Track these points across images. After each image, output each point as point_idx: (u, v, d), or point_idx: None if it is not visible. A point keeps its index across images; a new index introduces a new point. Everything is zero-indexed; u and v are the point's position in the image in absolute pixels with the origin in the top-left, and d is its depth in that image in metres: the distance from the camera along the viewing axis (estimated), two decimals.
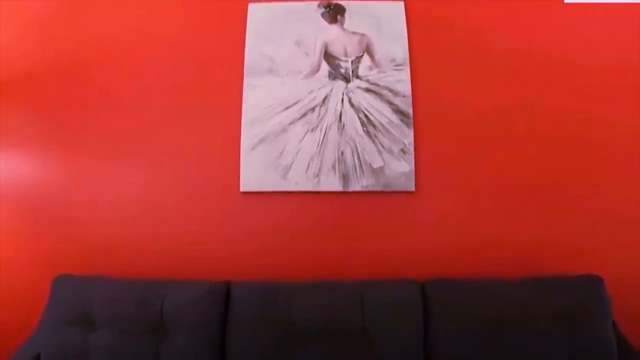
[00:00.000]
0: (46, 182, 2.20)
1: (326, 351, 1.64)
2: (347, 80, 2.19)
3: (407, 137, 2.14)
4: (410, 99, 2.17)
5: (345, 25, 2.26)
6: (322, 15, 2.27)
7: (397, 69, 2.20)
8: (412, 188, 2.11)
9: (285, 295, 1.75)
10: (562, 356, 1.71)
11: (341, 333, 1.66)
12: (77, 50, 2.31)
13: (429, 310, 1.73)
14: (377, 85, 2.18)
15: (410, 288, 1.79)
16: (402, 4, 2.29)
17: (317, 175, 2.11)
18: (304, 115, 2.15)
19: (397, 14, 2.28)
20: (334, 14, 2.28)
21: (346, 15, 2.27)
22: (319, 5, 2.28)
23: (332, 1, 2.29)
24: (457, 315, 1.71)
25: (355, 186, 2.11)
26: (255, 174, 2.12)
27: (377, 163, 2.12)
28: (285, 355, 1.64)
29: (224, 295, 1.79)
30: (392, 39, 2.24)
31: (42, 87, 2.28)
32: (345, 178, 2.11)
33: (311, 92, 2.17)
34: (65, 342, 1.75)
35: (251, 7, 2.29)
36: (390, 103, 2.16)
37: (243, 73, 2.19)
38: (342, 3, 2.28)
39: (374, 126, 2.14)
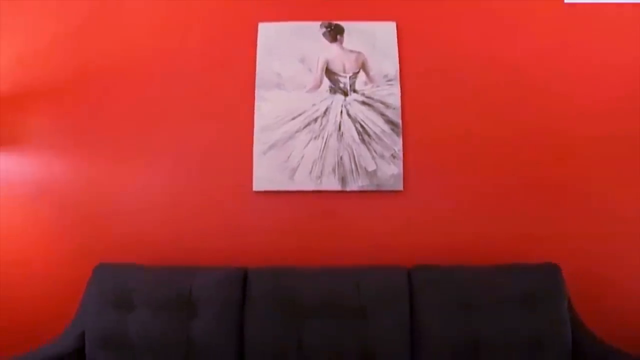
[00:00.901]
0: (76, 181, 2.50)
1: (329, 325, 1.97)
2: (345, 94, 2.51)
3: (397, 144, 2.47)
4: (399, 111, 2.50)
5: (344, 44, 2.57)
6: (324, 34, 2.58)
7: (388, 84, 2.52)
8: (400, 188, 2.45)
9: (294, 279, 2.09)
10: (523, 332, 2.03)
11: (342, 310, 2.00)
12: (102, 62, 2.59)
13: (414, 292, 2.07)
14: (372, 98, 2.51)
15: (399, 273, 2.13)
16: (394, 24, 2.60)
17: (320, 177, 2.44)
18: (308, 124, 2.48)
19: (389, 33, 2.59)
20: (334, 33, 2.59)
21: (345, 34, 2.58)
22: (321, 25, 2.59)
23: (332, 22, 2.60)
24: (438, 295, 2.05)
25: (352, 186, 2.45)
26: (266, 175, 2.44)
27: (370, 166, 2.46)
28: (294, 329, 1.98)
29: (242, 280, 2.11)
30: (385, 57, 2.56)
31: (69, 95, 2.56)
32: (343, 179, 2.45)
33: (314, 104, 2.50)
34: (108, 322, 2.05)
35: (261, 25, 2.59)
36: (382, 114, 2.49)
37: (255, 86, 2.51)
38: (342, 23, 2.59)
39: (369, 135, 2.47)
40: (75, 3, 2.64)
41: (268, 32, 2.57)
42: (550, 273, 2.17)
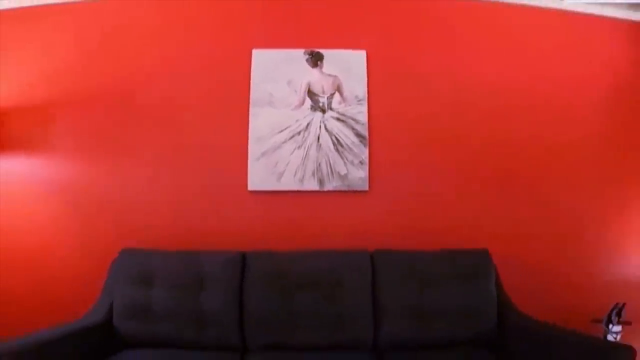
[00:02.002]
0: (97, 180, 2.98)
1: (312, 295, 2.54)
2: (323, 111, 3.08)
3: (364, 153, 3.06)
4: (366, 126, 3.09)
5: (323, 69, 3.13)
6: (307, 60, 3.13)
7: (359, 104, 3.10)
8: (366, 188, 3.05)
9: (283, 260, 2.64)
10: (459, 302, 2.61)
11: (320, 284, 2.57)
12: (117, 79, 3.07)
13: (375, 270, 2.66)
14: (344, 115, 3.09)
15: (364, 255, 2.72)
16: (364, 52, 3.17)
17: (302, 179, 3.02)
18: (293, 137, 3.04)
19: (360, 60, 3.16)
20: (315, 60, 3.14)
21: (324, 60, 3.14)
22: (304, 52, 3.13)
23: (314, 49, 3.15)
24: (393, 273, 2.64)
25: (328, 187, 3.03)
26: (258, 178, 3.00)
27: (343, 171, 3.05)
28: (284, 299, 2.54)
29: (241, 261, 2.65)
30: (356, 80, 3.13)
31: (90, 106, 3.03)
32: (321, 181, 3.03)
33: (298, 120, 3.05)
34: (132, 297, 2.54)
35: (255, 52, 3.12)
36: (353, 129, 3.08)
37: (249, 104, 3.05)
38: (322, 51, 3.14)
39: (342, 145, 3.06)
40: (91, 28, 3.11)
41: (261, 58, 3.10)
42: (481, 257, 2.79)
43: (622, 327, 2.96)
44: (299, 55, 3.12)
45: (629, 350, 2.01)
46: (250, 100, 3.05)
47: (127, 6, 3.16)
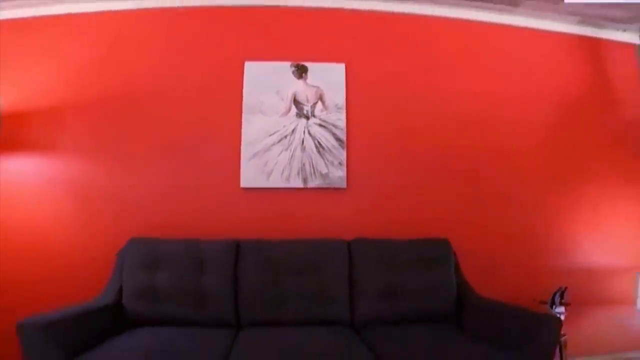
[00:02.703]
0: (105, 177, 3.33)
1: (297, 276, 2.94)
2: (307, 118, 3.48)
3: (342, 155, 3.48)
4: (345, 131, 3.50)
5: (308, 80, 3.53)
6: (293, 72, 3.53)
7: (338, 111, 3.52)
8: (344, 186, 3.46)
9: (272, 247, 3.03)
10: (423, 283, 3.03)
11: (304, 266, 2.97)
12: (122, 86, 3.42)
13: (352, 255, 3.08)
14: (326, 122, 3.50)
15: (342, 243, 3.13)
16: (343, 65, 3.59)
17: (288, 178, 3.42)
18: (280, 140, 3.44)
19: (340, 72, 3.57)
20: (300, 72, 3.54)
21: (308, 73, 3.54)
22: (291, 65, 3.53)
23: (299, 62, 3.55)
24: (367, 258, 3.06)
25: (311, 184, 3.44)
26: (250, 176, 3.39)
27: (324, 170, 3.46)
28: (273, 280, 2.93)
29: (235, 248, 3.03)
30: (336, 90, 3.54)
31: (99, 110, 3.37)
32: (305, 180, 3.43)
33: (285, 125, 3.45)
34: (140, 280, 2.88)
35: (247, 64, 3.50)
36: (333, 133, 3.49)
37: (242, 111, 3.44)
38: (306, 64, 3.54)
39: (323, 148, 3.47)
40: (97, 38, 3.46)
41: (252, 69, 3.49)
42: (443, 245, 3.23)
43: (565, 308, 3.44)
44: (286, 67, 3.52)
45: (557, 319, 2.47)
46: (243, 108, 3.44)
47: (130, 19, 3.52)
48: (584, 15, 3.80)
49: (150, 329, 2.73)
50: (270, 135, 3.43)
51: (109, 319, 2.72)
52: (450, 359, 2.36)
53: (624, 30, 4.00)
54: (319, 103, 3.51)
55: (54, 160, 3.32)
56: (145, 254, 2.98)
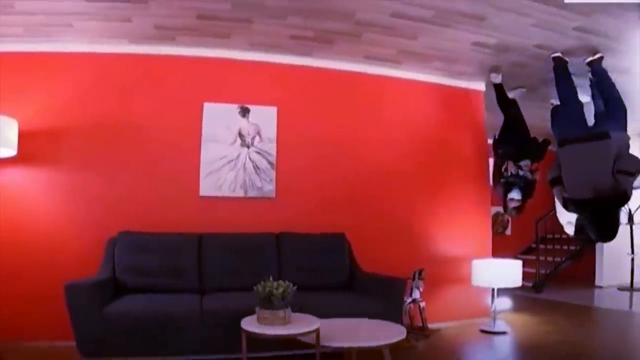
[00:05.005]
0: (94, 184, 4.47)
1: (242, 259, 4.29)
2: (248, 147, 4.85)
3: (272, 174, 4.89)
4: (275, 157, 4.91)
5: (249, 119, 4.89)
6: (239, 112, 4.87)
7: (270, 142, 4.92)
8: (274, 196, 4.88)
9: (224, 238, 4.36)
10: (327, 264, 4.52)
11: (249, 253, 4.33)
12: (105, 113, 4.58)
13: (279, 244, 4.51)
14: (261, 150, 4.89)
15: (272, 235, 4.55)
16: (275, 108, 4.98)
17: (234, 190, 4.76)
18: (229, 163, 4.77)
19: (273, 113, 4.97)
20: (244, 112, 4.89)
21: (250, 113, 4.90)
22: (237, 107, 4.87)
23: (244, 104, 4.89)
24: (290, 246, 4.50)
25: (250, 194, 4.81)
26: (207, 187, 4.68)
27: (259, 185, 4.84)
28: (225, 261, 4.26)
29: (199, 240, 4.32)
30: (270, 127, 4.93)
31: (87, 132, 4.49)
32: (245, 191, 4.79)
33: (232, 152, 4.79)
34: (131, 259, 4.01)
35: (205, 104, 4.79)
36: (266, 159, 4.89)
37: (201, 140, 4.72)
38: (248, 106, 4.89)
39: (259, 169, 4.85)
40: (83, 74, 4.53)
41: (209, 109, 4.78)
42: (340, 238, 4.75)
43: (422, 282, 5.09)
44: (234, 108, 4.86)
45: (402, 280, 4.10)
46: (202, 137, 4.74)
47: (110, 61, 4.62)
48: (448, 70, 5.48)
49: (141, 295, 3.88)
50: (221, 158, 4.76)
51: (112, 287, 3.90)
52: (343, 304, 3.89)
53: (475, 81, 5.76)
54: (257, 136, 4.89)
55: (54, 171, 4.39)
56: (133, 242, 4.15)
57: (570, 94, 4.79)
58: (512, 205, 5.36)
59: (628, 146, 4.36)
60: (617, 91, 4.59)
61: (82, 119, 4.50)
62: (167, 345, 3.47)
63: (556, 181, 4.65)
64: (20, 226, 4.26)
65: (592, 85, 4.97)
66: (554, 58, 4.86)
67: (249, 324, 3.05)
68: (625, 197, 4.23)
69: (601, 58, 4.77)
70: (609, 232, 4.46)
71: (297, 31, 4.47)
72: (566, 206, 4.62)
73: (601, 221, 4.39)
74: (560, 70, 4.84)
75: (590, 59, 4.80)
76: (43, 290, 4.06)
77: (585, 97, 5.07)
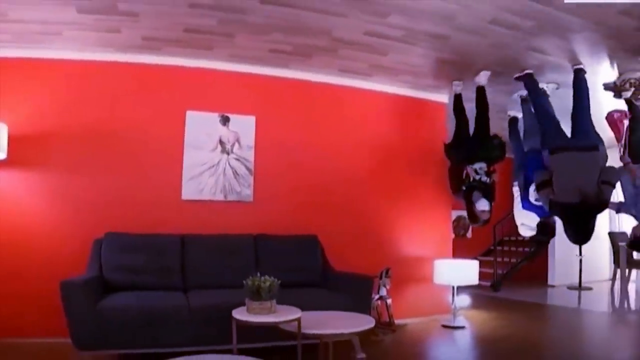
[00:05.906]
0: (80, 185, 4.69)
1: (222, 258, 4.59)
2: (228, 154, 5.15)
3: (250, 180, 5.20)
4: (253, 163, 5.23)
5: (229, 127, 5.19)
6: (219, 121, 5.16)
7: (249, 150, 5.23)
8: (252, 200, 5.19)
9: (205, 239, 4.66)
10: (300, 263, 4.89)
11: (228, 252, 4.64)
12: (90, 119, 4.81)
13: (256, 245, 4.83)
14: (240, 156, 5.19)
15: (250, 237, 4.86)
16: (254, 117, 5.29)
17: (214, 194, 5.05)
18: (210, 168, 5.05)
19: (251, 122, 5.28)
20: (224, 121, 5.18)
21: (230, 121, 5.20)
22: (218, 115, 5.15)
23: (224, 113, 5.18)
24: (266, 247, 4.83)
25: (230, 198, 5.11)
26: (189, 191, 4.96)
27: (238, 189, 5.15)
28: (214, 262, 4.55)
29: (181, 240, 4.59)
30: (248, 135, 5.24)
31: (74, 137, 4.72)
32: (225, 195, 5.09)
33: (212, 158, 5.07)
34: (118, 258, 4.23)
35: (188, 112, 5.05)
36: (245, 165, 5.20)
37: (184, 147, 4.99)
38: (228, 115, 5.19)
39: (238, 175, 5.16)
40: (72, 80, 4.74)
41: (191, 117, 5.06)
42: (313, 239, 5.11)
43: (389, 280, 5.48)
44: (215, 117, 5.15)
45: (370, 279, 4.50)
46: (185, 144, 5.01)
47: (98, 69, 4.84)
48: (414, 83, 5.90)
49: (130, 292, 4.09)
50: (202, 164, 5.04)
51: (101, 284, 4.14)
52: (317, 300, 4.24)
53: (439, 93, 6.21)
54: (237, 143, 5.19)
55: (42, 173, 4.58)
56: (120, 242, 4.38)
57: (550, 106, 5.18)
58: (484, 217, 5.40)
59: (607, 158, 4.77)
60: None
61: (70, 123, 4.70)
62: (157, 338, 3.75)
63: (544, 184, 4.84)
64: (9, 227, 4.44)
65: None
66: (523, 76, 5.20)
67: (240, 314, 3.39)
68: (605, 205, 4.65)
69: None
70: (586, 235, 4.77)
71: (276, 45, 4.80)
72: (551, 208, 4.87)
73: (581, 224, 4.72)
74: (533, 86, 5.20)
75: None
76: (36, 289, 4.27)
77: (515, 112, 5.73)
